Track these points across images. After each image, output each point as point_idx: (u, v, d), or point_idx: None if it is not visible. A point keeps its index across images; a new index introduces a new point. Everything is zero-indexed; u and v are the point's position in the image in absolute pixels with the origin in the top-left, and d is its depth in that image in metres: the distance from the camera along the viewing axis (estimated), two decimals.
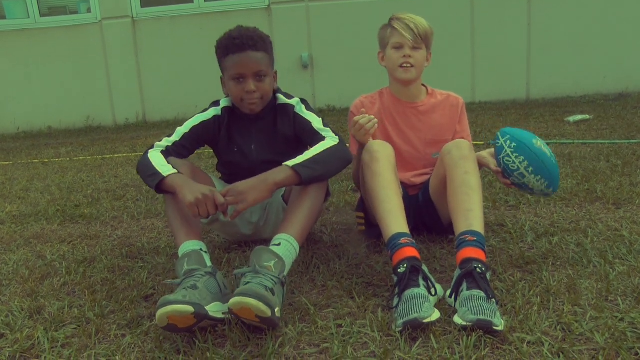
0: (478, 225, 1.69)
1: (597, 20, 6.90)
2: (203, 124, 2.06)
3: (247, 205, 1.69)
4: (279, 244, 1.68)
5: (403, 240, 1.68)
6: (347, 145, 1.98)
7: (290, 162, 1.76)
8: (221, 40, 1.98)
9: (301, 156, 1.80)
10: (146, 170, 1.85)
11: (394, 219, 1.75)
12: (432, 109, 2.19)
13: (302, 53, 7.26)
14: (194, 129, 2.04)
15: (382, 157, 1.85)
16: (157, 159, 1.87)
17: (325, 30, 7.27)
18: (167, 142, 1.99)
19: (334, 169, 1.87)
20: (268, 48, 1.99)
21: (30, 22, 7.60)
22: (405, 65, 2.08)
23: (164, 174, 1.79)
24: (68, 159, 5.03)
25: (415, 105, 2.18)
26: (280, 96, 2.08)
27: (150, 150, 1.94)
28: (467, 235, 1.66)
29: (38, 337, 1.56)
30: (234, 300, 1.43)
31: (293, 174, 1.74)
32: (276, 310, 1.45)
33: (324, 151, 1.83)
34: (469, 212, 1.72)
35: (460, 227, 1.70)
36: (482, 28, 7.10)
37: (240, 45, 1.92)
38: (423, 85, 2.23)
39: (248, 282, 1.51)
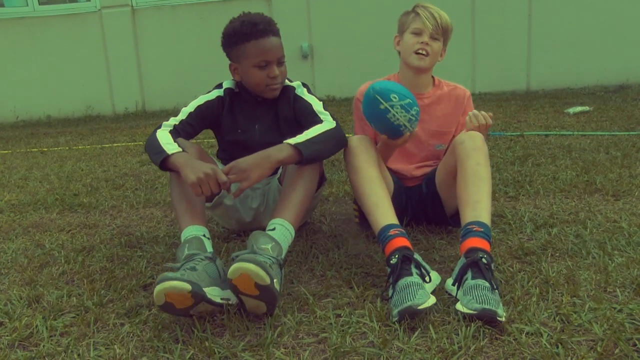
0: (485, 217, 1.69)
1: (597, 12, 6.87)
2: (207, 103, 2.08)
3: (251, 182, 1.70)
4: (274, 229, 1.69)
5: (392, 231, 1.69)
6: (348, 134, 1.97)
7: (292, 141, 1.77)
8: (236, 27, 1.96)
9: (301, 135, 1.81)
10: (153, 148, 1.86)
11: (381, 212, 1.76)
12: (437, 101, 2.18)
13: (302, 43, 7.23)
14: (198, 108, 2.06)
15: (360, 152, 1.85)
16: (164, 137, 1.88)
17: (326, 20, 7.24)
18: (174, 121, 2.01)
19: (331, 150, 1.89)
20: (279, 33, 2.03)
21: (29, 11, 7.56)
22: (420, 51, 2.06)
23: (169, 152, 1.79)
24: (67, 148, 5.02)
25: (420, 96, 2.16)
26: None
27: (158, 130, 1.95)
28: (473, 226, 1.66)
29: (36, 326, 1.57)
30: (233, 267, 1.44)
31: (294, 152, 1.75)
32: (275, 281, 1.46)
33: (321, 133, 1.84)
34: (478, 203, 1.72)
35: (468, 217, 1.71)
36: (483, 19, 7.06)
37: (264, 31, 1.94)
38: (432, 77, 2.21)
39: None
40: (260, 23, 1.94)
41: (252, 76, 2.00)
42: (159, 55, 7.53)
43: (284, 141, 1.78)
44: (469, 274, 1.55)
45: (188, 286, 1.42)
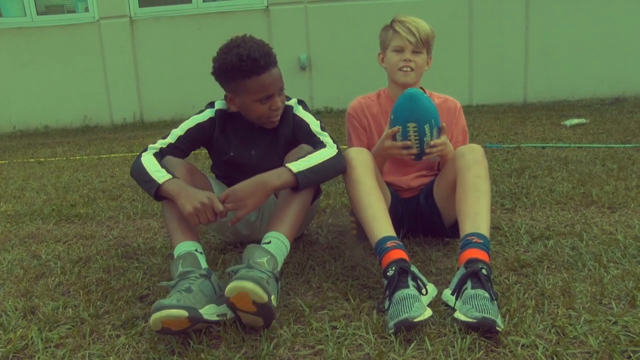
0: (485, 229, 1.70)
1: (594, 25, 6.92)
2: (198, 126, 2.03)
3: (247, 211, 1.69)
4: (269, 242, 1.68)
5: (389, 243, 1.69)
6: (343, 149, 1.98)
7: (293, 167, 1.75)
8: (234, 62, 1.84)
9: (304, 160, 1.78)
10: (141, 175, 1.82)
11: (379, 224, 1.76)
12: None
13: (300, 54, 7.26)
14: (189, 131, 2.01)
15: (359, 165, 1.85)
16: (150, 164, 1.84)
17: (324, 31, 7.28)
18: (161, 144, 1.96)
19: (328, 178, 1.91)
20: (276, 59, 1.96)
21: (27, 21, 7.58)
22: (405, 68, 2.08)
23: (159, 181, 1.75)
24: (64, 158, 5.02)
25: None
26: None
27: (143, 154, 1.91)
28: (473, 237, 1.67)
29: (32, 337, 1.56)
30: (230, 285, 1.43)
31: (292, 179, 1.74)
32: (272, 297, 1.45)
33: (324, 161, 1.81)
34: (477, 215, 1.73)
35: (467, 229, 1.71)
36: (480, 31, 7.11)
37: (264, 66, 1.85)
38: (421, 88, 2.22)
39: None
40: (261, 58, 1.84)
41: (253, 111, 1.94)
42: (157, 66, 7.55)
43: (286, 164, 1.76)
44: (469, 284, 1.55)
45: (185, 313, 1.41)
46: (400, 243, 1.70)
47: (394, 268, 1.61)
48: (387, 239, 1.70)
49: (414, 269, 1.65)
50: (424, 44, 2.08)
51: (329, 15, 7.24)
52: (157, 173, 1.79)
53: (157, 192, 1.76)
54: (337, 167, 1.87)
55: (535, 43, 7.05)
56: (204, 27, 7.34)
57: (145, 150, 1.94)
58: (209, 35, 7.19)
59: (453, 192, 1.88)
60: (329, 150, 1.87)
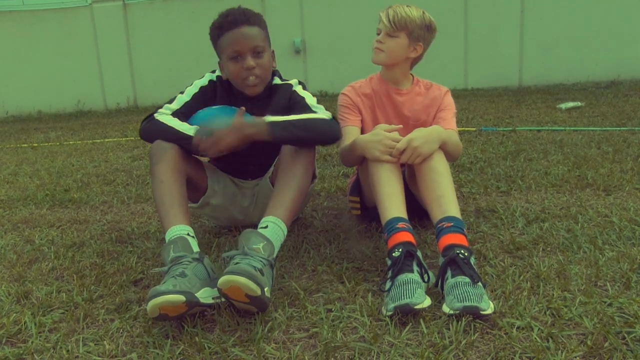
0: (453, 210, 1.68)
1: (589, 9, 6.89)
2: (202, 89, 2.06)
3: (219, 150, 1.79)
4: (266, 227, 1.67)
5: (400, 224, 1.67)
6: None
7: (269, 118, 1.79)
8: (214, 22, 1.95)
9: (285, 117, 1.82)
10: (169, 134, 1.85)
11: (393, 203, 1.74)
12: (415, 94, 2.19)
13: (294, 38, 7.21)
14: (194, 96, 2.04)
15: None
16: (173, 122, 1.89)
17: (318, 15, 7.22)
18: (169, 109, 1.98)
19: (314, 138, 1.85)
20: (262, 24, 1.97)
21: (17, 4, 7.50)
22: (376, 48, 2.11)
23: (191, 134, 1.84)
24: (58, 143, 4.98)
25: (398, 91, 2.19)
26: (277, 78, 2.09)
27: (157, 115, 1.93)
28: (444, 223, 1.65)
29: (25, 322, 1.55)
30: (223, 279, 1.42)
31: (267, 130, 1.77)
32: (266, 289, 1.44)
33: (307, 119, 1.84)
34: (441, 198, 1.71)
35: (436, 215, 1.70)
36: (475, 15, 7.07)
37: (233, 22, 1.89)
38: (411, 74, 2.22)
39: (237, 263, 1.49)
40: (231, 14, 1.90)
41: (229, 70, 1.96)
42: (150, 50, 7.49)
43: (265, 117, 1.80)
44: (449, 273, 1.54)
45: (182, 297, 1.40)
46: (410, 227, 1.69)
47: (400, 249, 1.59)
48: (398, 219, 1.69)
49: (419, 254, 1.64)
50: (399, 28, 2.05)
51: None
52: (184, 127, 1.87)
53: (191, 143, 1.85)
54: (323, 130, 1.84)
55: (531, 27, 7.02)
56: (197, 11, 7.27)
57: (156, 112, 1.96)
58: (202, 18, 7.10)
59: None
60: (318, 115, 1.88)
